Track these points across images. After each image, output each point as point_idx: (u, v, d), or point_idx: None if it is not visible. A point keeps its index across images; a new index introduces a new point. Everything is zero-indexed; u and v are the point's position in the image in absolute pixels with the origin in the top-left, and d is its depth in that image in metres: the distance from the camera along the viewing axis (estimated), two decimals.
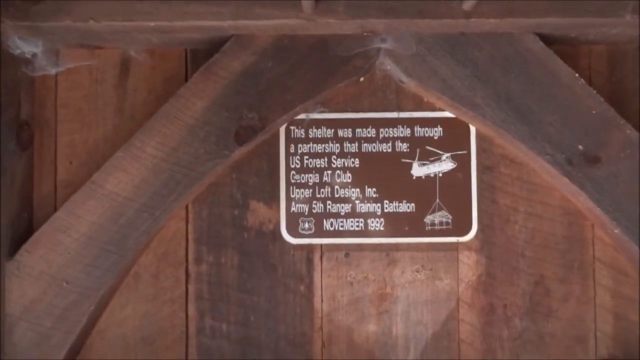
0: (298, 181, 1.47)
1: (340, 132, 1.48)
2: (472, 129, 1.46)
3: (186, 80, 1.43)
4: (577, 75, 1.37)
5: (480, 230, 1.46)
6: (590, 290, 1.44)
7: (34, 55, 1.38)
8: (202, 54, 1.42)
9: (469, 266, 1.46)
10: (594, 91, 1.37)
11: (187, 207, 1.47)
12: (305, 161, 1.48)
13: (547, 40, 1.38)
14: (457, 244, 1.46)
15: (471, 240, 1.46)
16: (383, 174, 1.47)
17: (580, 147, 1.35)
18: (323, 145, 1.48)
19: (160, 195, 1.37)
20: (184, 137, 1.37)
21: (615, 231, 1.35)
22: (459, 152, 1.47)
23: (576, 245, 1.45)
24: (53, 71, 1.45)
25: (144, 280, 1.46)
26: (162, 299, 1.46)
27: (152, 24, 1.32)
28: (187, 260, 1.47)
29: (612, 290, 1.44)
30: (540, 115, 1.36)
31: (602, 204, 1.34)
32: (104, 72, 1.48)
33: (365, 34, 1.36)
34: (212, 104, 1.37)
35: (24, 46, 1.36)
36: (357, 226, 1.47)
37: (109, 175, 1.37)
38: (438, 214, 1.46)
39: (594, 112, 1.35)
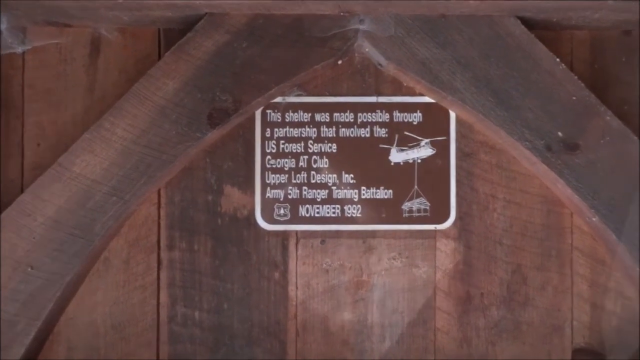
0: (274, 166, 1.44)
1: (318, 117, 1.44)
2: (452, 115, 1.44)
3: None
4: (558, 60, 1.34)
5: (458, 218, 1.43)
6: (568, 279, 1.43)
7: None
8: (175, 34, 1.38)
9: (446, 254, 1.44)
10: (575, 77, 1.34)
11: (159, 191, 1.43)
12: (282, 146, 1.44)
13: (529, 24, 1.35)
14: (435, 231, 1.44)
15: (449, 228, 1.43)
16: (361, 159, 1.44)
17: (559, 133, 1.33)
18: (300, 129, 1.44)
19: (130, 179, 1.33)
20: (154, 118, 1.32)
21: (593, 219, 1.34)
22: (438, 138, 1.44)
23: (554, 234, 1.43)
24: (20, 49, 1.40)
25: (114, 267, 1.42)
26: (133, 285, 1.42)
27: (121, 0, 1.27)
28: (159, 247, 1.43)
29: (590, 279, 1.43)
30: (520, 101, 1.34)
31: (581, 191, 1.32)
32: (73, 51, 1.43)
33: (342, 14, 1.33)
34: (184, 84, 1.33)
35: None
36: (334, 213, 1.44)
37: (77, 158, 1.32)
38: (416, 201, 1.43)
39: (574, 98, 1.33)
